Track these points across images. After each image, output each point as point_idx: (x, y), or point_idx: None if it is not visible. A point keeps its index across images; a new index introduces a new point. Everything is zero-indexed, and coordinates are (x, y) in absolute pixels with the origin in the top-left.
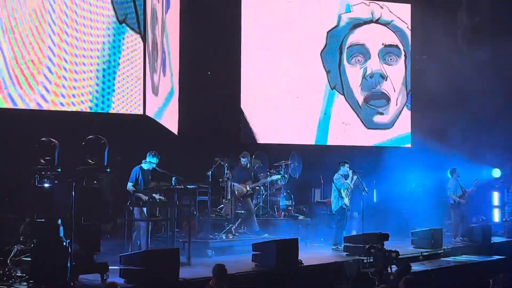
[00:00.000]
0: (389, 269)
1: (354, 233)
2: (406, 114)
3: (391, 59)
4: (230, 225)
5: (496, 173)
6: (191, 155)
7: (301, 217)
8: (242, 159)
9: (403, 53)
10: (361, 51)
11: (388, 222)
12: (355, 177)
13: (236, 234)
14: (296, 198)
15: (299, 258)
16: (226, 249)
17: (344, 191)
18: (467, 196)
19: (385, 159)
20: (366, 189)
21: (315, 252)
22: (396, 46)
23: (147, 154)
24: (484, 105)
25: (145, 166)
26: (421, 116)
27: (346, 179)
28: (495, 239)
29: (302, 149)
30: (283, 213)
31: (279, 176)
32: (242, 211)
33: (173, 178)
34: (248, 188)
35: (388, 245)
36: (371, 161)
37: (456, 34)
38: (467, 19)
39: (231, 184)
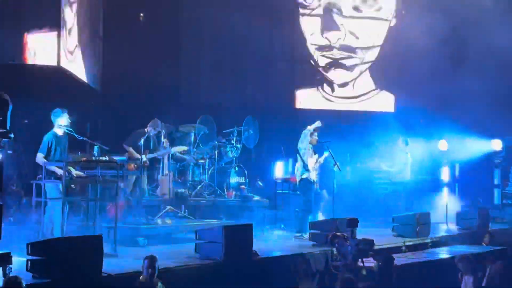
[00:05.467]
0: (360, 263)
1: (321, 216)
2: (388, 72)
3: None
4: (168, 207)
5: (497, 144)
6: (119, 119)
7: (256, 198)
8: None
9: None
10: None
11: (364, 204)
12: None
13: (175, 218)
14: (250, 174)
15: (253, 249)
16: (162, 236)
17: (308, 159)
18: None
19: (363, 127)
20: (338, 163)
21: (274, 242)
22: None
23: (51, 114)
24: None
25: (59, 131)
26: (405, 75)
27: (314, 152)
28: (494, 226)
29: (260, 113)
30: (234, 192)
31: (184, 148)
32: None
33: (96, 147)
34: (145, 158)
35: (363, 233)
36: (346, 129)
37: None
38: None
39: (170, 156)
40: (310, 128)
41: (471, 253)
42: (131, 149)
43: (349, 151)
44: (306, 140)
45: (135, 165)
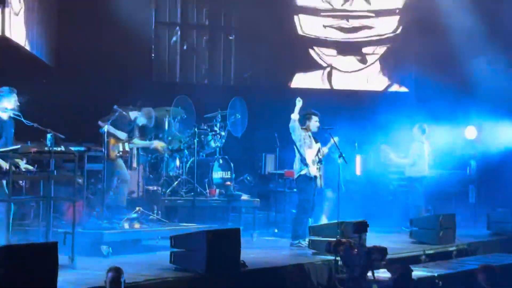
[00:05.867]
0: (370, 275)
1: (325, 220)
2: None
3: None
4: (137, 208)
5: None
6: (77, 101)
7: (245, 197)
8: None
9: None
10: None
11: (376, 204)
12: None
13: (145, 221)
14: (237, 167)
15: (241, 259)
16: (130, 244)
17: (306, 151)
18: None
19: (373, 110)
20: (343, 155)
21: (266, 250)
22: None
23: None
24: None
25: (4, 115)
26: (425, 46)
27: (316, 141)
28: None
29: (249, 94)
30: (217, 190)
31: (164, 145)
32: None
33: (49, 135)
34: (127, 148)
35: (373, 239)
36: (353, 111)
37: None
38: None
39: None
40: (294, 116)
41: (500, 264)
42: (112, 128)
43: (357, 139)
44: (297, 131)
45: (119, 152)
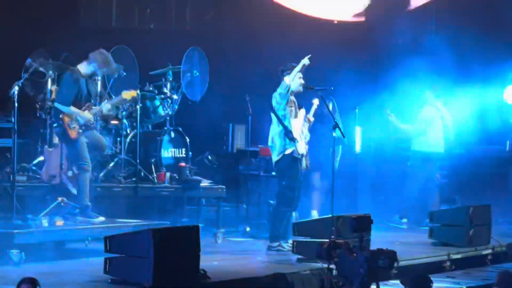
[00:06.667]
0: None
1: (315, 215)
2: None
3: None
4: (59, 198)
5: None
6: None
7: (205, 183)
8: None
9: None
10: None
11: (383, 192)
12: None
13: (70, 216)
14: (195, 143)
15: (201, 268)
16: (50, 247)
17: (292, 122)
18: None
19: (377, 62)
20: (339, 125)
21: (235, 255)
22: None
23: None
24: None
25: None
26: None
27: (300, 106)
28: None
29: (210, 42)
30: (168, 174)
31: (134, 93)
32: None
33: None
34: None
35: (379, 241)
36: (353, 64)
37: None
38: None
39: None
40: (288, 81)
41: None
42: (73, 109)
43: (358, 102)
44: (287, 98)
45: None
